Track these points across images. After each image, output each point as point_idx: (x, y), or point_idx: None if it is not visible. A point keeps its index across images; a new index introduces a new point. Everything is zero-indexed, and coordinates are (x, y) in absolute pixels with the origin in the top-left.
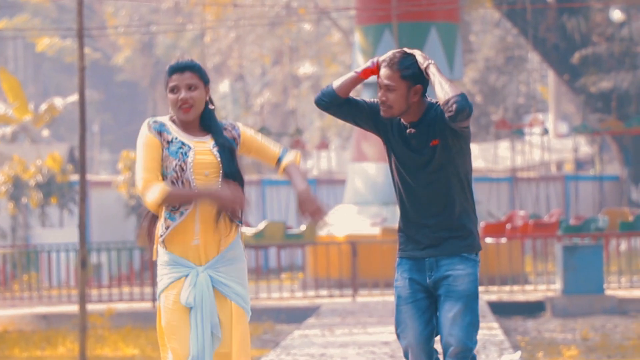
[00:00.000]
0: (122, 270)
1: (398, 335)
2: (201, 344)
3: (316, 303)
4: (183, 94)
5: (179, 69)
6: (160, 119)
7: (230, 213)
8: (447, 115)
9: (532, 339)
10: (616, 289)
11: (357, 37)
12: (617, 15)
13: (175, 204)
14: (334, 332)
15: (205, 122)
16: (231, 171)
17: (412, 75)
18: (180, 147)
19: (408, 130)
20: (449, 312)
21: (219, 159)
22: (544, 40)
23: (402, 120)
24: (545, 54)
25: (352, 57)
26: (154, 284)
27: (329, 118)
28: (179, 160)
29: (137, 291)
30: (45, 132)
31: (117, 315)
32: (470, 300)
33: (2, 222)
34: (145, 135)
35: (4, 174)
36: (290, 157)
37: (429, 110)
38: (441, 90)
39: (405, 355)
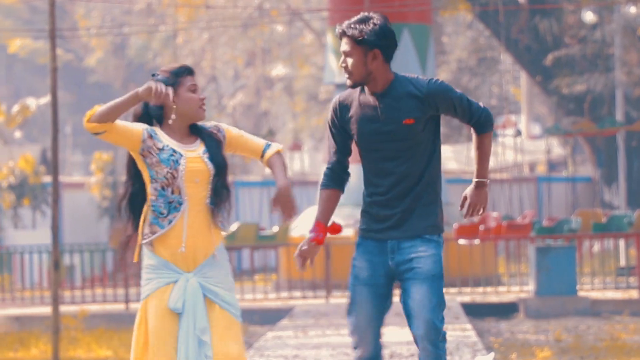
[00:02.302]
0: (95, 272)
1: (349, 314)
2: (188, 351)
3: (289, 304)
4: (203, 95)
5: (192, 71)
6: (152, 127)
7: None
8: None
9: (505, 340)
10: (589, 290)
11: (330, 39)
12: (589, 17)
13: (113, 112)
14: (308, 334)
15: (195, 127)
16: (220, 164)
17: (368, 40)
18: (172, 155)
19: (374, 102)
20: (416, 295)
21: (209, 167)
22: (517, 41)
23: (367, 92)
24: (518, 55)
25: (325, 59)
26: (127, 285)
27: (301, 120)
28: (170, 168)
29: (110, 293)
30: (18, 134)
31: (90, 317)
32: (435, 281)
33: None
34: (139, 125)
35: None
36: (274, 148)
37: (398, 83)
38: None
39: (353, 334)
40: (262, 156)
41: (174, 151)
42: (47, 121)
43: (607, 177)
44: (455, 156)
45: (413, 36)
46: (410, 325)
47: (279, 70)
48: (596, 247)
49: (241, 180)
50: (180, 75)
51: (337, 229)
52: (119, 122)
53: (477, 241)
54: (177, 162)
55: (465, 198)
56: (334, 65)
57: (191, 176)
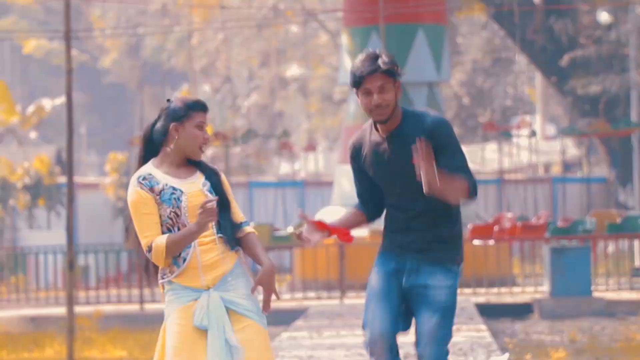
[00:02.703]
0: (110, 272)
1: (364, 326)
2: None
3: (304, 305)
4: (208, 134)
5: (206, 108)
6: (145, 171)
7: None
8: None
9: (520, 341)
10: (604, 291)
11: (345, 39)
12: (604, 17)
13: (180, 249)
14: (322, 334)
15: (194, 160)
16: (222, 195)
17: (397, 73)
18: (172, 193)
19: (383, 143)
20: (426, 324)
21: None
22: (532, 42)
23: (377, 132)
24: (533, 56)
25: (340, 59)
26: (141, 286)
27: (316, 120)
28: (172, 207)
29: (124, 293)
30: (33, 134)
31: (104, 318)
32: (447, 313)
33: None
34: (137, 192)
35: None
36: (251, 227)
37: (405, 120)
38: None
39: (367, 346)
40: (240, 224)
41: (174, 189)
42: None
43: (622, 178)
44: (470, 157)
45: (428, 37)
46: (416, 344)
47: (293, 70)
48: (611, 247)
49: (256, 181)
50: (192, 109)
51: (348, 236)
52: (147, 226)
53: (491, 242)
54: (178, 199)
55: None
56: (348, 66)
57: (194, 211)
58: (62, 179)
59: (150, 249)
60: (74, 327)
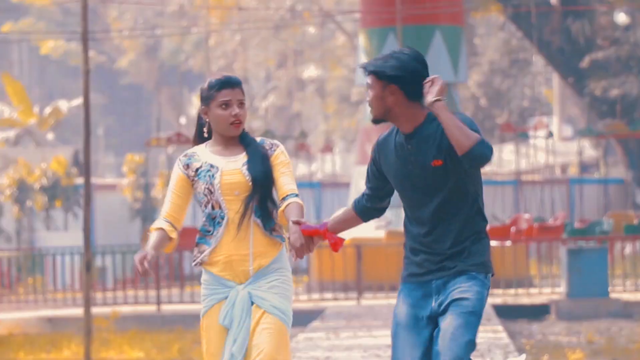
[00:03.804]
0: (127, 274)
1: None
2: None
3: (321, 306)
4: (237, 110)
5: (230, 84)
6: (191, 149)
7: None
8: (466, 164)
9: (537, 342)
10: (621, 292)
11: (362, 40)
12: (621, 18)
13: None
14: (339, 335)
15: (244, 139)
16: (259, 176)
17: (383, 74)
18: (209, 170)
19: (404, 144)
20: (450, 326)
21: (247, 178)
22: (549, 43)
23: (401, 132)
24: (550, 57)
25: (357, 60)
26: (158, 287)
27: (333, 121)
28: (206, 184)
29: (141, 294)
30: (50, 135)
31: (121, 319)
32: (473, 318)
33: (7, 226)
34: (175, 168)
35: (9, 178)
36: (298, 199)
37: (427, 123)
38: (452, 134)
39: None
40: (283, 198)
41: (211, 166)
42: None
43: (639, 179)
44: None
45: (445, 38)
46: (434, 355)
47: (310, 71)
48: (628, 248)
49: None
50: (213, 89)
51: (338, 246)
52: (171, 207)
53: (508, 243)
54: (212, 176)
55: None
56: None
57: (229, 188)
58: (80, 180)
59: (160, 219)
60: (91, 328)
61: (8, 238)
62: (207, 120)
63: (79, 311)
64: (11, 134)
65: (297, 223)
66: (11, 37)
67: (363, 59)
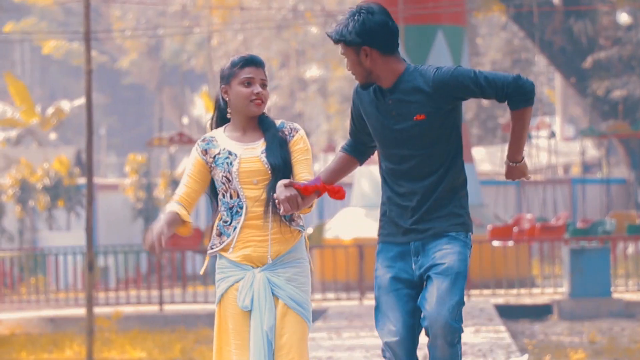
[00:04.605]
0: (129, 273)
1: (377, 330)
2: (259, 350)
3: (323, 306)
4: (260, 89)
5: (254, 62)
6: (210, 134)
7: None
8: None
9: (539, 342)
10: (623, 292)
11: None
12: (624, 18)
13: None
14: (341, 335)
15: (263, 122)
16: (278, 164)
17: (350, 40)
18: (227, 157)
19: (384, 99)
20: (436, 290)
21: (266, 166)
22: (551, 43)
23: (380, 87)
24: (552, 57)
25: None
26: (161, 287)
27: (335, 121)
28: (224, 171)
29: (144, 294)
30: (53, 135)
31: (124, 319)
32: (458, 278)
33: (9, 225)
34: (193, 152)
35: (12, 177)
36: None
37: (407, 76)
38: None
39: (384, 353)
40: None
41: (230, 153)
42: (81, 123)
43: None
44: (489, 158)
45: (447, 37)
46: (423, 320)
47: (313, 71)
48: (630, 248)
49: None
50: (235, 66)
51: (340, 193)
52: (186, 190)
53: (510, 243)
54: (230, 164)
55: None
56: None
57: (247, 177)
58: (82, 180)
59: (174, 201)
60: (93, 328)
61: (10, 238)
62: (228, 99)
63: (81, 311)
64: (13, 133)
65: (289, 185)
66: (13, 37)
67: None
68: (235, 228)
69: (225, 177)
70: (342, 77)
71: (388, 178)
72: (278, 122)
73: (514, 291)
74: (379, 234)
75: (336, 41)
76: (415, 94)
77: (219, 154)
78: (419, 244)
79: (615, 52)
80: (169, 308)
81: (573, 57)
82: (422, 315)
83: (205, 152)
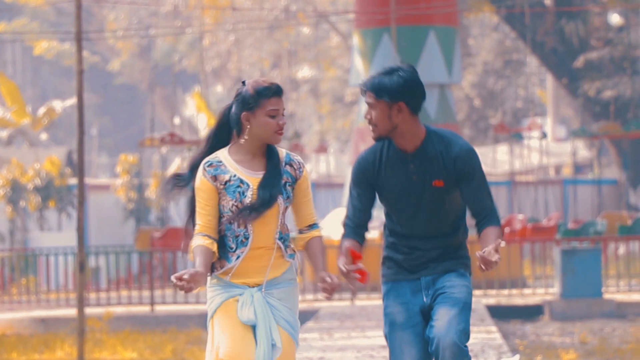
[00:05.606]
0: (121, 274)
1: None
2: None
3: (315, 307)
4: (284, 120)
5: (279, 93)
6: (215, 157)
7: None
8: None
9: (531, 342)
10: (614, 292)
11: (356, 41)
12: (615, 19)
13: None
14: (333, 336)
15: (270, 150)
16: (265, 198)
17: (388, 94)
18: (238, 186)
19: (404, 161)
20: (445, 316)
21: (278, 200)
22: (543, 44)
23: (397, 149)
24: (544, 57)
25: (351, 61)
26: (152, 287)
27: (327, 122)
28: (235, 201)
29: (135, 295)
30: (44, 136)
31: (115, 319)
32: (465, 309)
33: (0, 226)
34: (200, 179)
35: (2, 178)
36: (319, 231)
37: (429, 142)
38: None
39: None
40: (307, 227)
41: (241, 181)
42: (73, 123)
43: (632, 180)
44: (481, 159)
45: (439, 38)
46: (432, 343)
47: (305, 72)
48: (622, 249)
49: None
50: (263, 97)
51: (365, 277)
52: (204, 218)
53: (502, 243)
54: (243, 194)
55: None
56: (359, 67)
57: None
58: (73, 181)
59: (197, 234)
60: (84, 328)
61: (1, 238)
62: (248, 126)
63: (72, 311)
64: (4, 134)
65: (348, 251)
66: (5, 37)
67: (357, 59)
68: (238, 257)
69: (236, 206)
70: (333, 78)
71: (396, 228)
72: (283, 153)
73: (506, 292)
74: (384, 275)
75: (372, 92)
76: (436, 161)
77: (229, 180)
78: (429, 278)
79: (607, 52)
80: (160, 309)
81: (564, 58)
82: (430, 340)
83: (214, 178)
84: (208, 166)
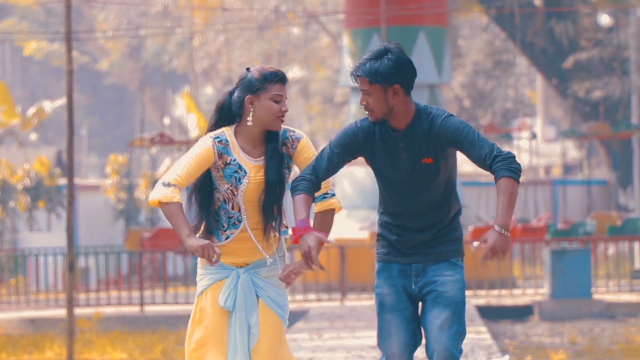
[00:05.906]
0: (110, 274)
1: (380, 345)
2: (237, 348)
3: (304, 307)
4: (286, 106)
5: (284, 80)
6: (224, 136)
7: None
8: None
9: (520, 343)
10: (604, 293)
11: (346, 41)
12: (605, 20)
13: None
14: (322, 336)
15: (271, 135)
16: (273, 180)
17: (383, 78)
18: (236, 172)
19: (395, 139)
20: (437, 319)
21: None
22: (532, 44)
23: (391, 127)
24: (534, 58)
25: (341, 61)
26: (142, 288)
27: (317, 122)
28: (231, 185)
29: (124, 295)
30: (33, 136)
31: (105, 320)
32: (458, 308)
33: None
34: (205, 146)
35: None
36: (334, 203)
37: (418, 119)
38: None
39: None
40: (325, 194)
41: (240, 167)
42: (62, 123)
43: (622, 180)
44: None
45: (429, 39)
46: (426, 347)
47: (294, 72)
48: (611, 249)
49: None
50: (268, 81)
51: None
52: (186, 172)
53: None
54: (239, 180)
55: (485, 241)
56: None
57: (251, 196)
58: (63, 181)
59: (168, 184)
60: (74, 329)
61: None
62: (251, 109)
63: (61, 312)
64: None
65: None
66: None
67: (347, 59)
68: (228, 237)
69: (231, 191)
70: (323, 78)
71: (389, 208)
72: (280, 132)
73: (495, 292)
74: (378, 253)
75: (366, 78)
76: (424, 137)
77: (229, 163)
78: (420, 266)
79: (596, 53)
80: (149, 309)
81: (554, 59)
82: (426, 343)
83: (220, 155)
84: (218, 142)
